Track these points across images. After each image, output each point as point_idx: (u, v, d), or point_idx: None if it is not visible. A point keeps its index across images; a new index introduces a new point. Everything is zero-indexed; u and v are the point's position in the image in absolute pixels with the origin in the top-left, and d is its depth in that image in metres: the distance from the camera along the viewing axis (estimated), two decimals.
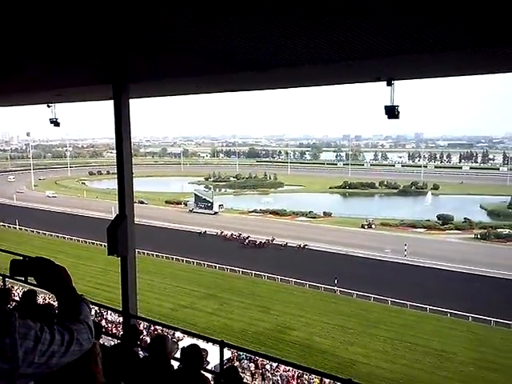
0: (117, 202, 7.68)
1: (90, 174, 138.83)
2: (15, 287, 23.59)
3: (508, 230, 61.43)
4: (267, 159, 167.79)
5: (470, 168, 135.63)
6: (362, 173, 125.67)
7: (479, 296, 36.17)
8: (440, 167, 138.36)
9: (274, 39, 4.21)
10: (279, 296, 38.79)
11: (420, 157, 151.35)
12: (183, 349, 4.78)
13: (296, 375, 24.97)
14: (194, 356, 4.67)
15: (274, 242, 54.82)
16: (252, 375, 25.57)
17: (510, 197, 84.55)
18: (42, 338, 1.74)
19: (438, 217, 68.88)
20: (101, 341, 5.32)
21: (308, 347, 29.82)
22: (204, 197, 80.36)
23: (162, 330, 23.67)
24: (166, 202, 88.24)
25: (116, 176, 7.51)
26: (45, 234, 60.93)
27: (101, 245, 48.68)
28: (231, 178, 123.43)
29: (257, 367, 26.17)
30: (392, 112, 6.58)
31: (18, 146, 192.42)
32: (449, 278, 41.74)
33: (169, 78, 6.80)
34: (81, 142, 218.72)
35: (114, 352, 4.87)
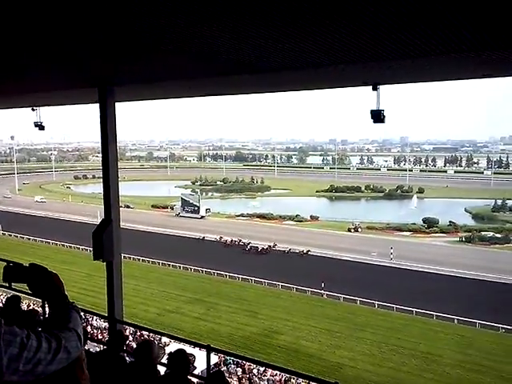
0: (102, 206, 7.62)
1: (76, 178, 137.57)
2: None
3: (492, 233, 62.15)
4: (254, 163, 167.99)
5: (455, 172, 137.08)
6: (348, 177, 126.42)
7: (465, 298, 36.52)
8: (425, 171, 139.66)
9: (264, 42, 4.21)
10: (266, 300, 38.76)
11: (405, 161, 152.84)
12: (170, 354, 4.74)
13: (283, 379, 24.94)
14: (181, 361, 4.64)
15: (276, 247, 53.65)
16: (239, 380, 25.48)
17: (493, 200, 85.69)
18: (28, 345, 1.71)
19: (424, 220, 69.46)
20: (86, 347, 5.26)
21: (295, 351, 29.81)
22: (191, 201, 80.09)
23: (148, 336, 23.51)
24: (153, 206, 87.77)
25: (102, 180, 7.45)
26: (29, 239, 60.20)
27: (86, 250, 48.26)
28: (218, 182, 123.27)
29: (244, 372, 26.09)
30: (378, 116, 6.63)
31: (1, 150, 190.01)
32: (434, 280, 42.07)
33: (155, 82, 6.77)
34: (66, 145, 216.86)
35: (100, 358, 4.82)
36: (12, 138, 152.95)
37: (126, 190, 78.85)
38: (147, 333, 23.79)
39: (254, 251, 53.78)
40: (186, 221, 73.06)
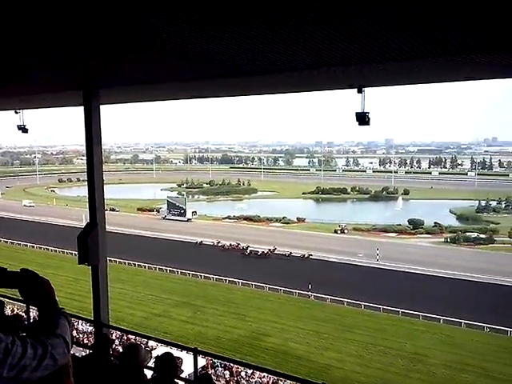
0: (87, 209, 7.56)
1: (60, 181, 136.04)
2: None
3: (476, 234, 62.90)
4: (241, 165, 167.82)
5: (439, 173, 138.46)
6: (334, 178, 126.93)
7: (450, 299, 36.86)
8: (410, 172, 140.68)
9: (253, 46, 4.22)
10: (254, 302, 38.74)
11: (390, 162, 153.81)
12: (157, 357, 4.72)
13: (271, 382, 24.94)
14: (168, 364, 4.62)
15: (276, 251, 52.61)
16: (227, 383, 25.44)
17: (477, 201, 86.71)
18: (13, 351, 1.69)
19: (409, 221, 70.03)
20: (72, 351, 5.20)
21: (283, 353, 29.83)
22: (177, 203, 79.80)
23: (135, 339, 23.32)
24: (138, 209, 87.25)
25: (86, 183, 7.40)
26: (13, 243, 59.40)
27: (71, 254, 47.77)
28: (204, 185, 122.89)
29: (232, 375, 26.04)
30: (363, 119, 6.68)
31: None
32: (420, 281, 42.41)
33: (141, 84, 6.74)
34: (50, 148, 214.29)
35: (86, 362, 4.77)
36: None
37: (111, 193, 78.33)
38: (134, 337, 23.59)
39: (253, 255, 52.83)
40: (172, 224, 72.75)
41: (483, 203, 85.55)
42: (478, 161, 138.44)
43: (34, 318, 8.17)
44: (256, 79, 6.02)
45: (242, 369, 25.84)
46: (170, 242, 59.65)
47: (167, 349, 7.79)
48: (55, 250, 55.30)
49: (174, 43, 4.28)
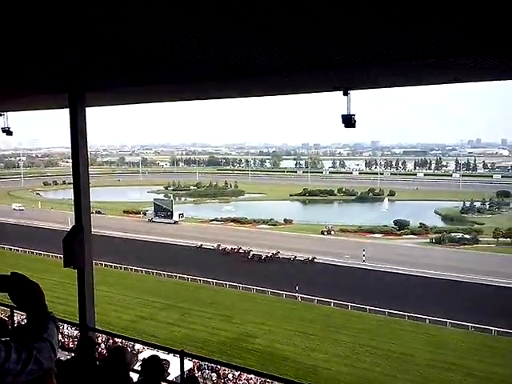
0: (73, 212, 7.51)
1: (45, 184, 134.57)
2: None
3: (461, 234, 63.61)
4: (228, 167, 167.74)
5: (425, 175, 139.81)
6: (321, 180, 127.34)
7: (436, 299, 37.21)
8: (396, 174, 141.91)
9: (237, 48, 4.24)
10: (241, 304, 38.70)
11: (376, 164, 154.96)
12: (143, 360, 4.71)
13: (258, 383, 24.93)
14: (155, 367, 4.61)
15: (279, 255, 51.94)
16: None
17: (462, 202, 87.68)
18: None
19: (395, 222, 70.56)
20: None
21: (270, 355, 29.83)
22: (164, 206, 79.46)
23: (121, 343, 23.16)
24: (125, 211, 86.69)
25: (72, 186, 7.36)
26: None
27: (57, 257, 47.28)
28: (191, 187, 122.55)
29: (219, 377, 25.98)
30: (349, 121, 6.72)
31: None
32: (406, 281, 42.75)
33: (127, 87, 6.73)
34: (35, 151, 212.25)
35: (69, 366, 4.74)
36: None
37: (97, 195, 77.70)
38: (120, 340, 23.43)
39: (256, 259, 51.80)
40: (158, 226, 72.40)
41: (468, 204, 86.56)
42: (463, 162, 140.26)
43: (18, 322, 8.08)
44: (241, 82, 6.04)
45: (229, 371, 25.79)
46: (162, 246, 59.10)
47: (154, 352, 7.76)
48: (40, 254, 54.71)
49: (161, 46, 4.28)
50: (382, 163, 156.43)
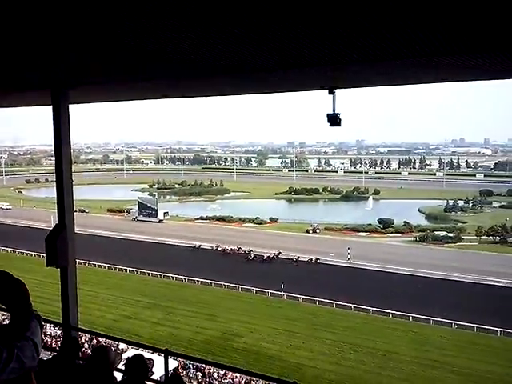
0: (56, 210, 7.43)
1: (28, 182, 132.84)
2: None
3: (445, 233, 64.32)
4: (213, 166, 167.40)
5: (409, 173, 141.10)
6: (306, 179, 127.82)
7: (420, 296, 37.62)
8: (380, 173, 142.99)
9: (223, 46, 4.22)
10: (226, 303, 38.66)
11: (361, 163, 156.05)
12: (127, 359, 4.67)
13: (244, 382, 24.96)
14: (139, 366, 4.57)
15: (281, 255, 50.99)
16: None
17: (445, 201, 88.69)
18: None
19: (379, 221, 71.10)
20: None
21: (255, 353, 29.88)
22: (148, 204, 78.97)
23: (105, 342, 23.00)
24: (108, 210, 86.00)
25: (55, 184, 7.27)
26: None
27: (39, 256, 46.72)
28: (176, 185, 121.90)
29: (204, 376, 25.95)
30: (334, 120, 6.75)
31: None
32: (390, 279, 43.14)
33: (112, 84, 6.66)
34: (17, 148, 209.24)
35: (52, 365, 4.67)
36: None
37: (80, 193, 76.89)
38: (104, 339, 23.27)
39: (258, 260, 50.96)
40: (143, 225, 71.99)
41: (451, 203, 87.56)
42: (446, 161, 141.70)
43: (0, 321, 7.96)
44: (226, 79, 6.02)
45: (215, 370, 25.78)
46: (150, 245, 58.67)
47: (138, 351, 7.70)
48: (22, 253, 54.07)
49: (146, 42, 4.24)
50: (367, 162, 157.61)
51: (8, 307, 2.03)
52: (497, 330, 31.92)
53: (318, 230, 67.62)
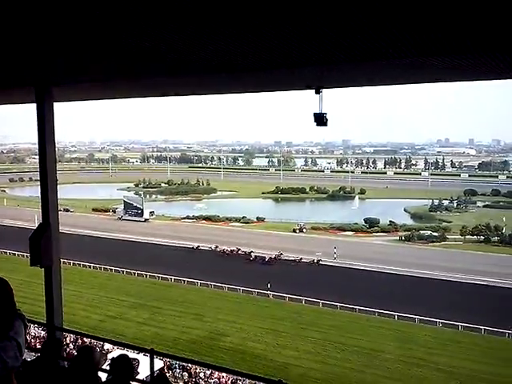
0: (40, 210, 7.34)
1: (11, 180, 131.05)
2: None
3: (430, 232, 64.91)
4: (200, 165, 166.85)
5: (394, 173, 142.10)
6: (293, 178, 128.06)
7: (405, 295, 37.93)
8: (366, 172, 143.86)
9: (208, 45, 4.20)
10: (212, 303, 38.59)
11: (347, 163, 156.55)
12: (112, 359, 4.63)
13: (230, 381, 24.94)
14: (124, 366, 4.54)
15: (283, 256, 50.36)
16: None
17: (431, 200, 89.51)
18: None
19: (365, 220, 71.51)
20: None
21: (241, 353, 29.88)
22: (134, 203, 78.48)
23: (90, 342, 22.81)
24: (94, 209, 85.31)
25: (39, 183, 7.18)
26: None
27: (23, 256, 46.19)
28: (162, 184, 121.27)
29: (190, 376, 25.87)
30: (320, 119, 6.75)
31: None
32: (376, 278, 43.42)
33: (97, 82, 6.59)
34: (0, 147, 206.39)
35: (34, 366, 4.61)
36: None
37: (65, 192, 76.14)
38: (89, 340, 23.07)
39: (260, 261, 50.14)
40: (128, 224, 71.53)
41: (436, 202, 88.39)
42: (431, 161, 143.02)
43: None
44: (212, 78, 5.99)
45: (201, 369, 25.72)
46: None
47: (123, 351, 7.64)
48: (5, 253, 53.41)
49: (131, 40, 4.21)
50: (353, 162, 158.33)
51: None
52: (481, 329, 32.32)
53: (304, 230, 67.82)
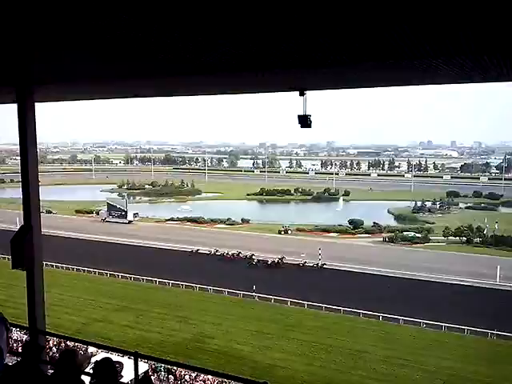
0: (22, 211, 7.23)
1: None
2: None
3: (413, 233, 65.52)
4: (184, 166, 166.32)
5: (378, 175, 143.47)
6: (278, 180, 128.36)
7: (389, 296, 38.18)
8: (350, 174, 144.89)
9: (194, 45, 4.18)
10: (198, 305, 38.41)
11: (332, 164, 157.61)
12: (95, 362, 4.57)
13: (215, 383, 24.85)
14: (107, 370, 4.48)
15: (286, 260, 49.94)
16: None
17: (414, 202, 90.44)
18: None
19: (350, 221, 71.94)
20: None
21: (227, 355, 29.77)
22: (117, 205, 77.84)
23: (74, 346, 22.54)
24: (77, 211, 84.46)
25: (20, 184, 7.07)
26: None
27: (4, 258, 45.51)
28: (146, 186, 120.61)
29: (176, 378, 25.72)
30: (304, 121, 6.78)
31: None
32: (361, 279, 43.66)
33: (80, 81, 6.51)
34: None
35: (16, 370, 4.53)
36: None
37: (47, 194, 75.29)
38: (72, 343, 22.79)
39: (262, 265, 49.63)
40: (112, 226, 70.94)
41: (419, 204, 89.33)
42: (414, 163, 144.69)
43: None
44: (196, 79, 5.97)
45: (186, 372, 25.59)
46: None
47: (107, 354, 7.57)
48: None
49: (115, 39, 4.17)
50: (337, 163, 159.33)
51: None
52: (464, 329, 32.66)
53: (289, 231, 67.97)
